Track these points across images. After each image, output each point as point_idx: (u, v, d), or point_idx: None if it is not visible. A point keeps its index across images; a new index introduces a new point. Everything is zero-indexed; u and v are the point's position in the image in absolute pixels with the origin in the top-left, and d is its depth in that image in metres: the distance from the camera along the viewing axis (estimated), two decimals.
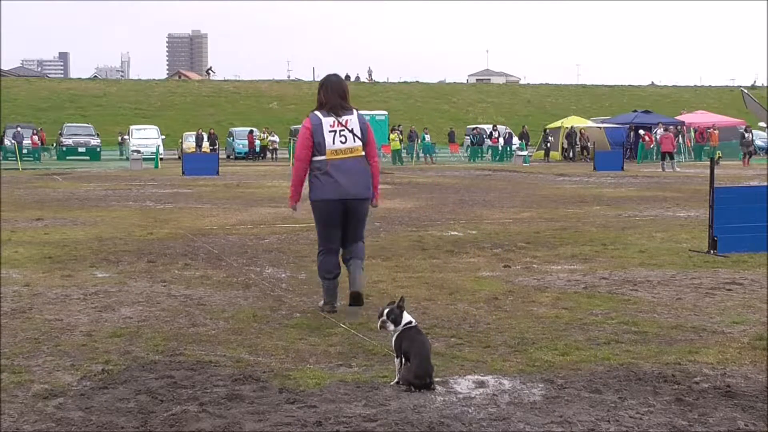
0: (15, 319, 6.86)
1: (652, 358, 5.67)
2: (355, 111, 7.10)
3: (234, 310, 7.24)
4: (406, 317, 5.13)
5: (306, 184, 7.20)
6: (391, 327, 5.07)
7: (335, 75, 7.27)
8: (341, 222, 7.08)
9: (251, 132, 50.52)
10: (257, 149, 49.77)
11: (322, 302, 7.27)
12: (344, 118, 6.98)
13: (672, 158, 34.86)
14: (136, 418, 4.48)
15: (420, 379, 4.89)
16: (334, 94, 7.03)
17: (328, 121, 6.94)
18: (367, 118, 42.62)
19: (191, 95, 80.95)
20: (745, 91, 46.91)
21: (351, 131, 6.97)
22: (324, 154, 6.92)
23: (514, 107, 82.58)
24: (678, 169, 33.41)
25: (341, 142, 6.93)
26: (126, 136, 50.97)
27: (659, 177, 28.79)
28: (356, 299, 7.08)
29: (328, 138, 6.91)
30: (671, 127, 42.19)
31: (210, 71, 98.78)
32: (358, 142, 7.00)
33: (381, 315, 5.13)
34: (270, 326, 6.66)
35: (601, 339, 6.20)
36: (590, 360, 5.61)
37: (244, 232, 12.95)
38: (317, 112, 7.01)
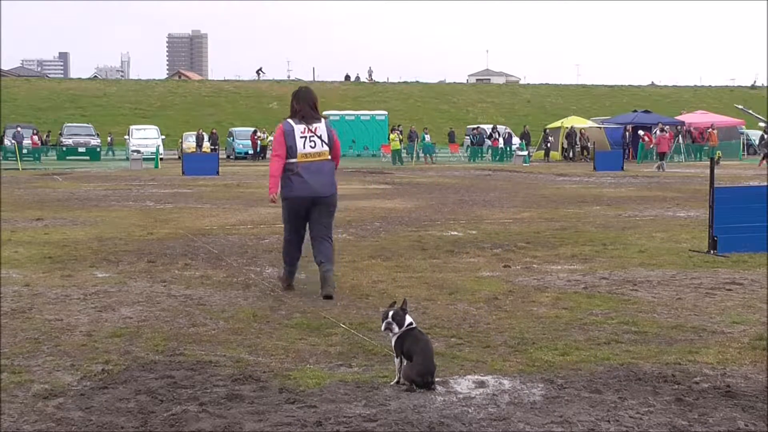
0: (15, 319, 6.86)
1: (652, 358, 5.67)
2: (323, 120, 8.00)
3: (234, 310, 7.24)
4: (408, 319, 5.14)
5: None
6: (396, 329, 5.08)
7: (306, 88, 8.24)
8: (307, 217, 7.96)
9: (254, 132, 50.56)
10: (258, 149, 49.81)
11: (282, 282, 8.24)
12: (314, 125, 7.86)
13: (662, 159, 34.98)
14: (136, 418, 4.48)
15: (423, 377, 4.90)
16: (305, 104, 7.92)
17: (299, 128, 7.82)
18: (367, 118, 42.80)
19: (191, 95, 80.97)
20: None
21: (320, 137, 7.86)
22: (295, 157, 7.78)
23: (514, 107, 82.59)
24: (663, 170, 33.31)
25: (311, 146, 7.81)
26: (126, 137, 50.91)
27: (659, 177, 28.79)
28: (328, 299, 7.72)
29: (299, 143, 7.78)
30: (667, 127, 42.20)
31: (260, 72, 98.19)
32: (326, 147, 7.88)
33: (386, 317, 5.14)
34: (270, 326, 6.67)
35: (601, 339, 6.20)
36: (590, 360, 5.61)
37: (244, 232, 12.95)
38: (290, 120, 7.89)
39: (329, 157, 7.88)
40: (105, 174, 32.07)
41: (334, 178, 7.96)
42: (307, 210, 7.87)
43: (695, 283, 8.49)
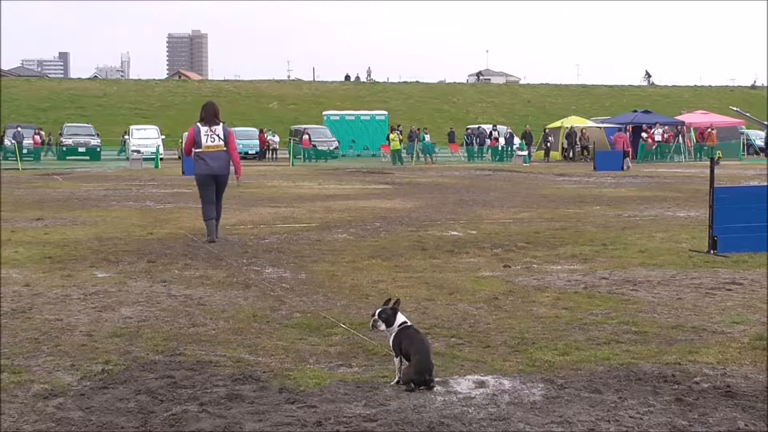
0: (15, 319, 6.86)
1: (652, 358, 5.67)
2: (221, 123, 11.99)
3: (234, 310, 7.24)
4: (401, 318, 5.13)
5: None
6: (382, 327, 5.11)
7: (210, 101, 12.53)
8: (212, 187, 11.85)
9: (262, 132, 50.61)
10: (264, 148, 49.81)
11: (206, 237, 11.67)
12: (214, 128, 11.89)
13: (625, 157, 35.06)
14: (136, 418, 4.49)
15: (420, 375, 4.89)
16: (209, 112, 11.99)
17: (204, 129, 11.89)
18: (367, 118, 43.26)
19: (191, 95, 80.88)
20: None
21: (218, 136, 11.89)
22: (201, 148, 11.82)
23: (514, 107, 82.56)
24: (629, 167, 33.62)
25: (211, 141, 11.85)
26: (126, 136, 50.88)
27: (659, 177, 28.79)
28: (211, 242, 11.49)
29: (203, 139, 11.84)
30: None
31: (480, 75, 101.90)
32: (222, 142, 11.89)
33: (373, 315, 5.17)
34: (270, 326, 6.67)
35: (601, 339, 6.20)
36: (590, 360, 5.62)
37: (244, 232, 12.95)
38: (198, 123, 11.99)
39: (225, 148, 11.88)
40: (105, 174, 32.06)
41: (229, 163, 11.96)
42: (211, 182, 11.78)
43: (695, 283, 8.49)
